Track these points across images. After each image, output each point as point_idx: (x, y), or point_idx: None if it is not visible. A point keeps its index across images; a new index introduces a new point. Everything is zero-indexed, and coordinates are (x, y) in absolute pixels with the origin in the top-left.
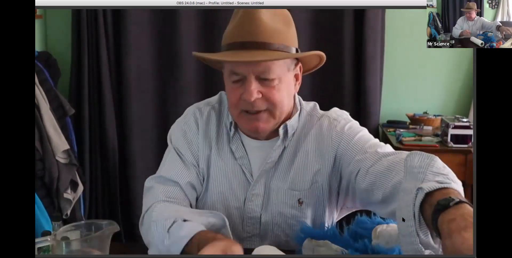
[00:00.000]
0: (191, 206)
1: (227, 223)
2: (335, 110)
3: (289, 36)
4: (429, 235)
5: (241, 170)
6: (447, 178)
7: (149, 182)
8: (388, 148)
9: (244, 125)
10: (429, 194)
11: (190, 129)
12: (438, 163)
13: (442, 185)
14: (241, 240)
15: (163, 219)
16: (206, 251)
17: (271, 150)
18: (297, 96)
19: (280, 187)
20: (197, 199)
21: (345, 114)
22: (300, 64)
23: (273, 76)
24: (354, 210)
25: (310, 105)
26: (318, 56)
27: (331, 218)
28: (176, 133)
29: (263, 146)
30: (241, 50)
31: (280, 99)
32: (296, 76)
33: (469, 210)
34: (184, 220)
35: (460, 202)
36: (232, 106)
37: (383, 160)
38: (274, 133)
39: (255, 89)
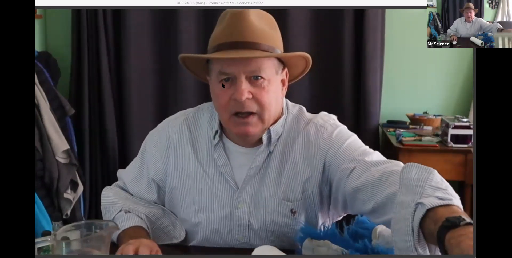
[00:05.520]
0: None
1: (168, 213)
2: (321, 116)
3: (275, 38)
4: (427, 249)
5: (224, 178)
6: (447, 193)
7: (118, 173)
8: (376, 156)
9: (234, 130)
10: (430, 210)
11: (158, 144)
12: (436, 177)
13: (444, 202)
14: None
15: (110, 206)
16: (120, 250)
17: (255, 156)
18: (284, 99)
19: (272, 196)
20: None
21: (332, 119)
22: (286, 70)
23: (264, 75)
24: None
25: (296, 109)
26: (304, 59)
27: (324, 224)
28: (147, 143)
29: (248, 152)
30: (231, 50)
31: (269, 101)
32: (282, 81)
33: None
34: (127, 211)
35: (470, 223)
36: (222, 109)
37: (373, 169)
38: (260, 140)
39: (245, 89)
